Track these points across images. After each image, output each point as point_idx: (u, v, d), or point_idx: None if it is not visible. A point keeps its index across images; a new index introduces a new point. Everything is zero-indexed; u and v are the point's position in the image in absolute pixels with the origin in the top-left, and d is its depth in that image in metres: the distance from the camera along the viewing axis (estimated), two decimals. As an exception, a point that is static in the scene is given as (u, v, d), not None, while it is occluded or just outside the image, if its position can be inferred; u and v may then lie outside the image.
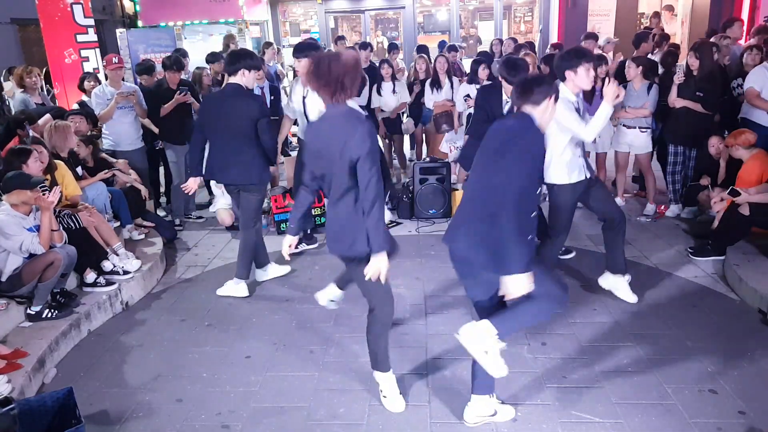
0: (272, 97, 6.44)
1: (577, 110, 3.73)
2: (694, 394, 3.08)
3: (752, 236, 4.66)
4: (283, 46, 13.23)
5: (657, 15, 9.44)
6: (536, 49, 8.97)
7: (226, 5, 11.13)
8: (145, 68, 6.40)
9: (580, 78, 3.64)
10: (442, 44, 9.56)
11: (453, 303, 4.21)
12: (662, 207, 5.82)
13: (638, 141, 5.73)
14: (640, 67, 5.63)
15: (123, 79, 5.88)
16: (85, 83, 6.33)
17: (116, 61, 5.79)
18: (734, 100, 5.63)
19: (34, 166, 4.23)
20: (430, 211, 5.95)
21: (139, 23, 11.36)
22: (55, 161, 4.72)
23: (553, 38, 11.85)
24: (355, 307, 4.20)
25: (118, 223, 5.27)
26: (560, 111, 3.36)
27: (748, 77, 5.23)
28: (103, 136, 5.89)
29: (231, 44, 8.39)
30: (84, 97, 6.36)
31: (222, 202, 5.99)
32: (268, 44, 8.24)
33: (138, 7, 11.46)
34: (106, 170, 5.35)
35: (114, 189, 5.36)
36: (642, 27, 11.42)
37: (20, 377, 3.26)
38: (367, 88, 6.73)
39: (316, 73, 2.66)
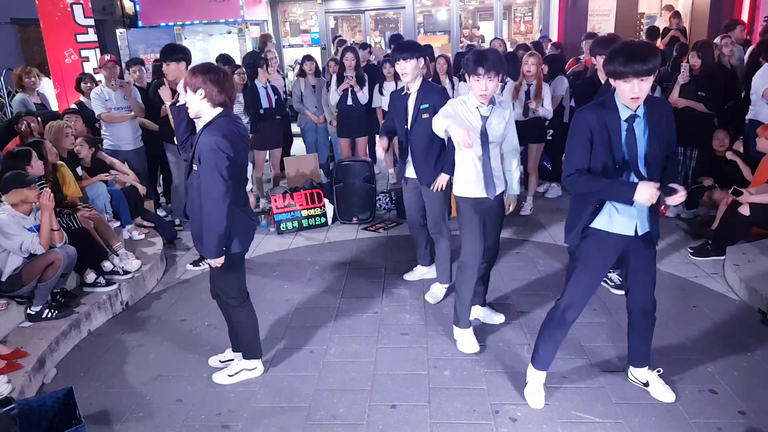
0: (276, 96, 6.46)
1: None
2: (694, 394, 3.08)
3: (752, 236, 4.66)
4: (283, 47, 13.24)
5: (677, 15, 9.23)
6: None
7: (226, 5, 11.13)
8: (132, 62, 6.63)
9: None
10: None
11: (453, 303, 4.20)
12: (662, 207, 5.81)
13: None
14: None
15: (121, 77, 5.92)
16: (82, 84, 6.34)
17: (108, 58, 5.85)
18: (744, 100, 5.57)
19: (37, 166, 4.24)
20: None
21: (139, 23, 11.36)
22: (58, 162, 4.73)
23: (553, 38, 11.85)
24: (355, 307, 4.21)
25: (118, 223, 5.28)
26: None
27: (760, 80, 5.14)
28: (102, 136, 5.91)
29: (268, 43, 8.61)
30: (82, 98, 6.37)
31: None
32: (343, 42, 8.42)
33: (138, 7, 11.46)
34: (107, 173, 5.37)
35: (114, 189, 5.37)
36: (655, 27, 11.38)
37: (20, 377, 3.26)
38: (367, 88, 6.74)
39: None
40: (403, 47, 3.93)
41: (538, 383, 3.08)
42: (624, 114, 2.58)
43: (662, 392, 3.04)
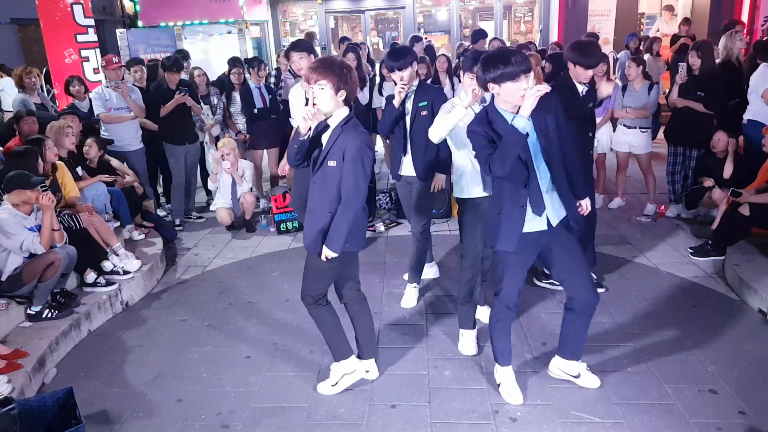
0: (269, 96, 6.47)
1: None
2: (694, 394, 3.08)
3: (752, 236, 4.66)
4: (283, 47, 13.25)
5: (687, 21, 9.20)
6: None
7: (226, 5, 11.15)
8: (133, 62, 6.69)
9: None
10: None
11: (452, 303, 4.20)
12: (662, 207, 5.82)
13: (638, 141, 5.73)
14: (640, 67, 5.62)
15: (122, 79, 5.91)
16: (71, 88, 6.32)
17: (116, 61, 5.83)
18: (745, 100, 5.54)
19: (39, 164, 4.25)
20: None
21: (139, 23, 11.37)
22: (56, 162, 4.72)
23: (553, 38, 11.86)
24: (355, 307, 4.21)
25: (118, 223, 5.28)
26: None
27: (758, 80, 5.14)
28: (103, 136, 5.91)
29: (313, 39, 8.89)
30: (75, 101, 6.36)
31: (221, 202, 5.99)
32: (417, 37, 8.37)
33: (138, 7, 11.47)
34: (108, 175, 5.37)
35: (114, 189, 5.37)
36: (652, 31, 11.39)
37: (20, 377, 3.26)
38: (367, 88, 6.74)
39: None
40: (396, 55, 3.84)
41: (510, 379, 3.13)
42: (509, 117, 2.64)
43: (590, 380, 3.17)
